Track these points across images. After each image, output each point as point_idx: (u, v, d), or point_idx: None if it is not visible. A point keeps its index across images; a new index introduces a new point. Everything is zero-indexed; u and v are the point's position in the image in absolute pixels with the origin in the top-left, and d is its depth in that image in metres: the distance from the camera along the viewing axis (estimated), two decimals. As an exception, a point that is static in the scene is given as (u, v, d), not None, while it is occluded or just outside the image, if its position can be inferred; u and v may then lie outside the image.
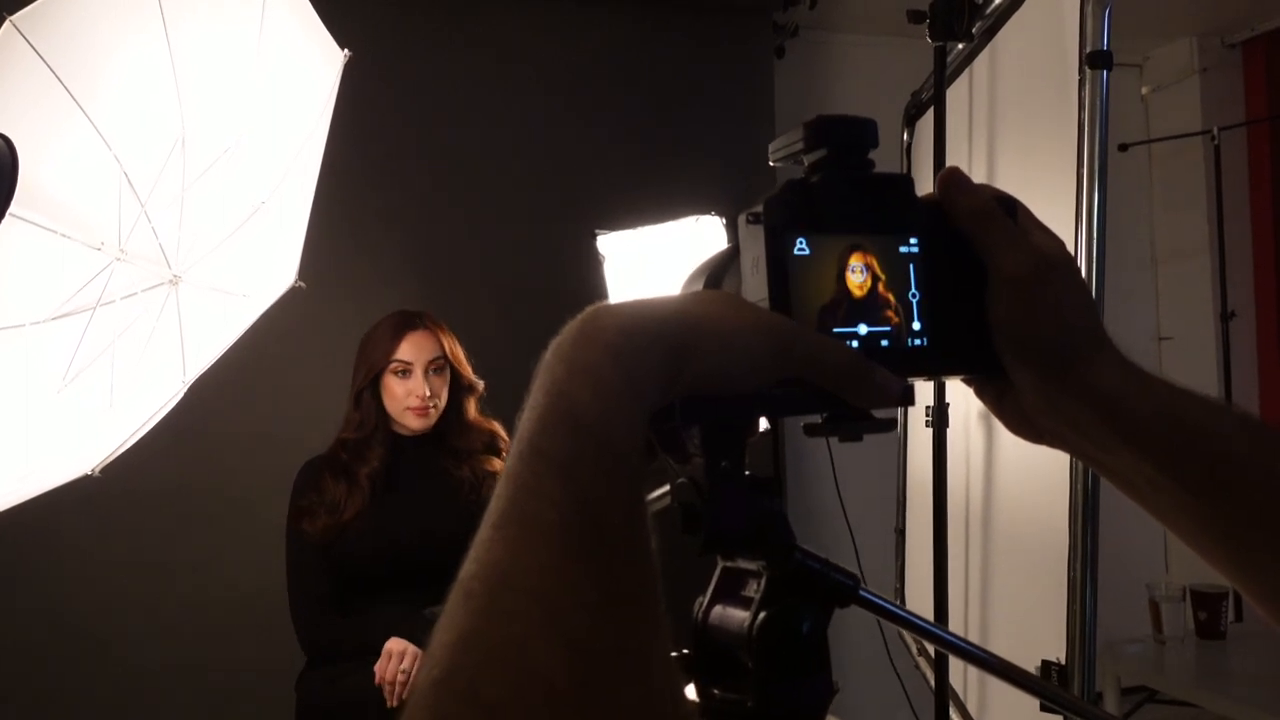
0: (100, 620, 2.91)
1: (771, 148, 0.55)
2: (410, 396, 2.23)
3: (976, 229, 0.55)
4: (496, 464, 2.28)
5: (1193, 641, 3.02)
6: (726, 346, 0.46)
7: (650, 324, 0.46)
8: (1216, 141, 4.06)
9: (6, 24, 1.94)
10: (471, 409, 2.34)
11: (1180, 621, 3.03)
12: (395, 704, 2.02)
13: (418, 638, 2.06)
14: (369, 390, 2.26)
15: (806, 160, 0.53)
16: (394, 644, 2.06)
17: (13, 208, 1.56)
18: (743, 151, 3.47)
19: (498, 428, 2.35)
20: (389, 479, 2.26)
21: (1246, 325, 4.36)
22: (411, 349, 2.24)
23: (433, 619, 0.38)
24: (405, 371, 2.23)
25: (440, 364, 2.27)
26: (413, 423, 2.25)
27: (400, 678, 2.03)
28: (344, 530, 2.18)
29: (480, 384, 2.35)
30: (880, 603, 0.57)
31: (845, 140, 0.53)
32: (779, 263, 0.50)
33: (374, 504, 2.21)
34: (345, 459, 2.25)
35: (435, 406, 2.26)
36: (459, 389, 2.32)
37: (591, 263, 2.59)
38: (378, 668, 2.03)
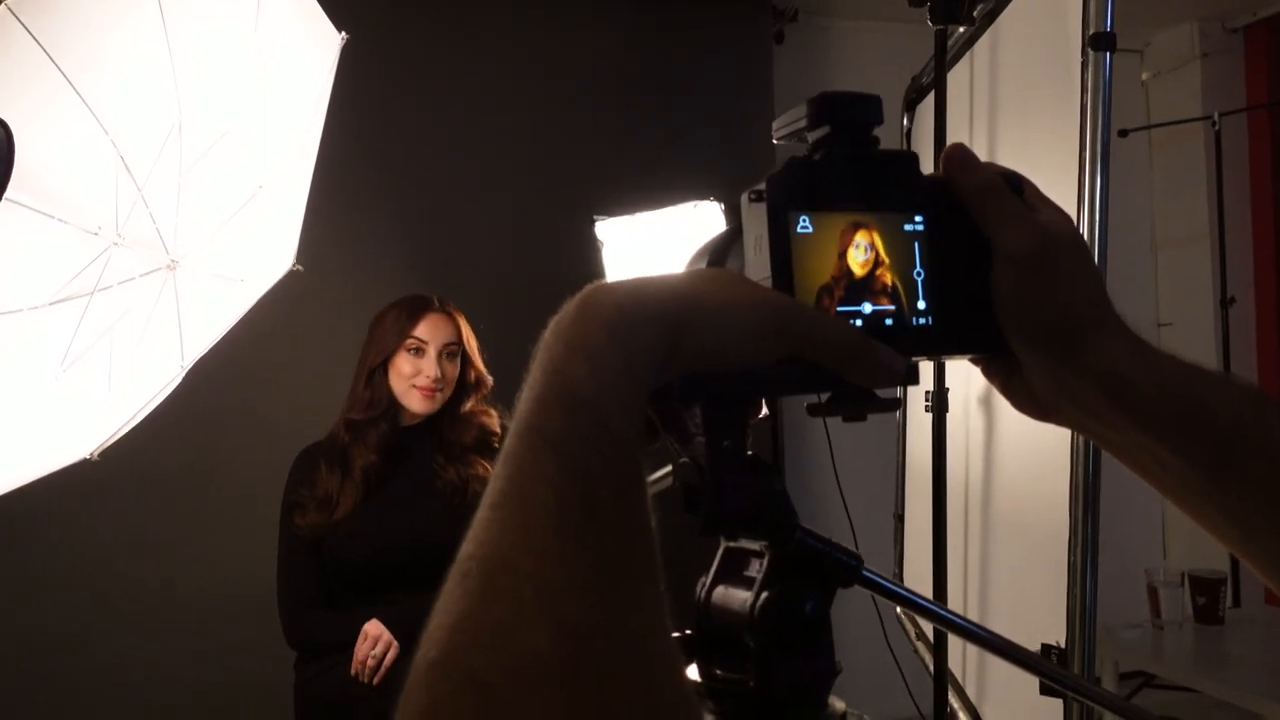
0: (98, 605, 2.92)
1: (775, 125, 0.54)
2: (419, 375, 2.19)
3: (982, 205, 0.54)
4: (483, 467, 2.24)
5: (1191, 626, 3.03)
6: (724, 323, 0.46)
7: (647, 301, 0.45)
8: (1217, 127, 4.05)
9: (2, 9, 1.93)
10: (470, 403, 2.28)
11: (1178, 606, 3.03)
12: (368, 681, 2.04)
13: (403, 630, 2.07)
14: (381, 369, 2.21)
15: (810, 137, 0.53)
16: (370, 626, 2.07)
17: (9, 192, 1.56)
18: (742, 137, 3.46)
19: (492, 421, 2.29)
20: (381, 475, 2.21)
21: (1246, 311, 4.36)
22: (429, 329, 2.21)
23: (422, 615, 0.38)
24: (419, 350, 2.20)
25: (454, 349, 2.24)
26: (416, 404, 2.21)
27: (370, 661, 2.04)
28: (335, 528, 2.16)
29: (490, 380, 2.30)
30: (883, 583, 0.56)
31: (849, 117, 0.53)
32: (782, 241, 0.50)
33: (365, 501, 2.18)
34: (345, 443, 2.21)
35: (442, 390, 2.22)
36: (465, 384, 2.27)
37: (590, 248, 2.58)
38: (355, 649, 2.06)
